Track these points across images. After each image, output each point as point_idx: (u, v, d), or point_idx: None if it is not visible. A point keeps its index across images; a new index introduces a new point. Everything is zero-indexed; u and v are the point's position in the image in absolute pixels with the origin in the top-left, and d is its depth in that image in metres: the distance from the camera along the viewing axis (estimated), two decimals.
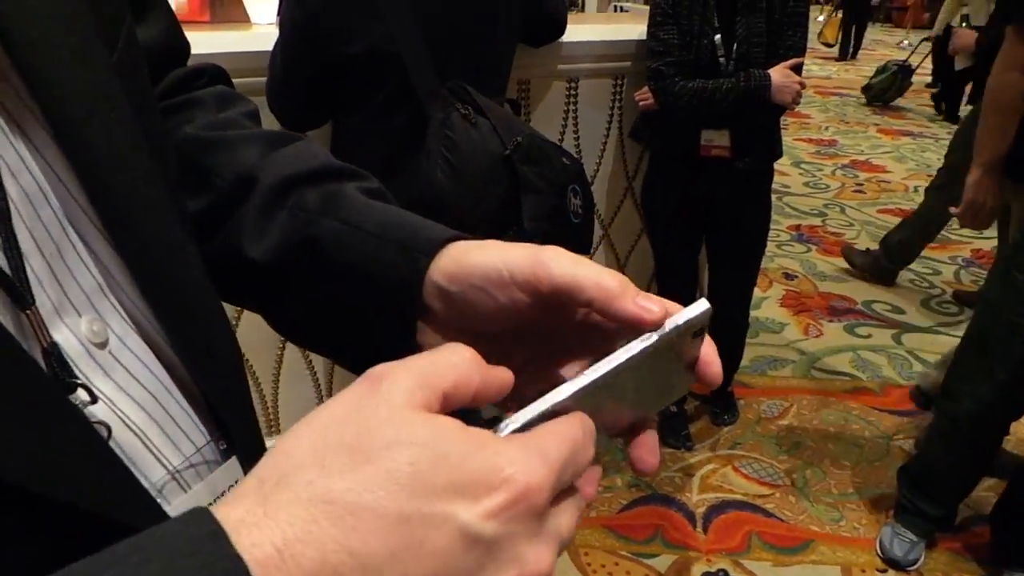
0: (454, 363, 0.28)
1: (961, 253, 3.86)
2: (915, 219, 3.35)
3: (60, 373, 0.31)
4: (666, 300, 0.35)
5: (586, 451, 0.29)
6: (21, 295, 0.30)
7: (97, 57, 0.36)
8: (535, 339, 0.39)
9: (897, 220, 3.58)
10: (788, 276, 3.52)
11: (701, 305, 0.34)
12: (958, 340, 1.84)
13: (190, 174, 0.47)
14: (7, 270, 0.30)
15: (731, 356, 2.36)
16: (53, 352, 0.31)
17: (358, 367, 0.34)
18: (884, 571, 1.89)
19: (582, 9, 5.49)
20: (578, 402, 0.30)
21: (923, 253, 3.80)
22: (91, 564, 0.22)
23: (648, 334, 0.32)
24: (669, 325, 0.33)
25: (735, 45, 1.90)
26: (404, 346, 0.41)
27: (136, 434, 0.34)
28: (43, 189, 0.33)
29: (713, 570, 1.88)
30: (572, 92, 2.17)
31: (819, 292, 3.38)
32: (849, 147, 5.74)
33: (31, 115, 0.33)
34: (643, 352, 0.32)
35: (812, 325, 3.08)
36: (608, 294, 0.34)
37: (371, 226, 0.42)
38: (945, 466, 1.86)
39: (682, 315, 0.33)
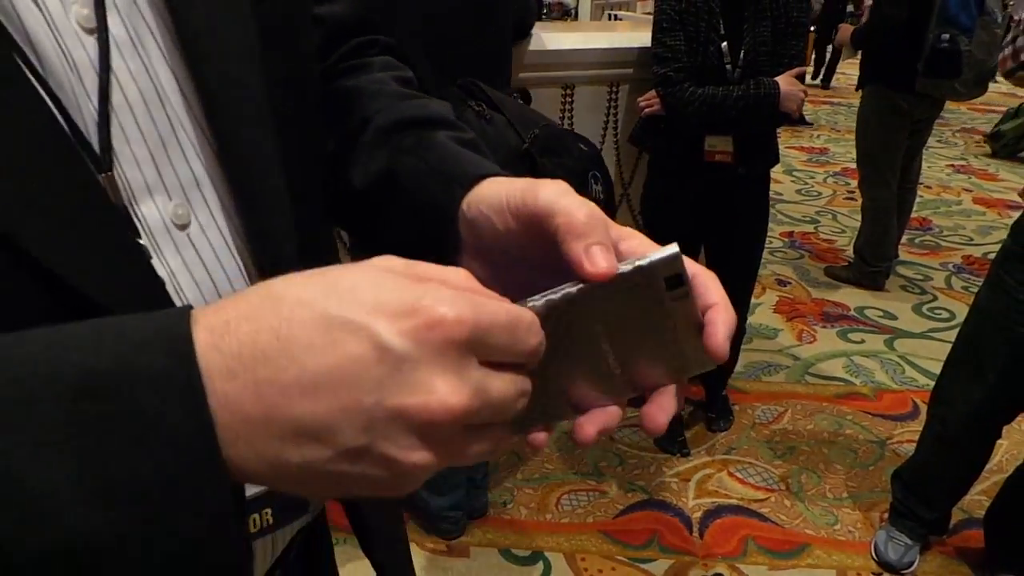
0: (448, 270, 0.31)
1: (952, 259, 3.89)
2: (864, 219, 3.44)
3: (129, 233, 0.37)
4: (653, 244, 0.36)
5: (527, 336, 0.30)
6: (100, 163, 0.35)
7: (239, 3, 0.42)
8: (557, 276, 0.39)
9: (894, 233, 3.62)
10: (781, 283, 3.55)
11: (667, 249, 0.33)
12: (950, 345, 1.86)
13: (336, 118, 0.55)
14: (94, 141, 0.35)
15: (726, 362, 2.35)
16: (124, 214, 0.37)
17: None
18: (879, 574, 1.90)
19: (575, 18, 5.53)
20: (543, 320, 0.31)
21: (914, 259, 3.84)
22: (90, 320, 0.27)
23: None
24: (625, 266, 0.33)
25: (742, 53, 1.91)
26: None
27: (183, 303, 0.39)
28: (161, 92, 0.38)
29: (709, 574, 1.89)
30: (568, 99, 2.18)
31: (812, 298, 3.40)
32: (841, 155, 5.79)
33: (169, 33, 0.39)
34: (598, 287, 0.32)
35: (806, 331, 3.10)
36: (569, 228, 0.35)
37: (434, 162, 0.47)
38: (938, 469, 1.87)
39: (639, 258, 0.33)
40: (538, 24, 2.75)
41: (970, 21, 2.87)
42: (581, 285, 0.33)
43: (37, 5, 0.34)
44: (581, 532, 2.00)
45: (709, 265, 1.84)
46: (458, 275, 0.31)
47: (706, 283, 0.36)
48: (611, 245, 0.35)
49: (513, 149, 1.47)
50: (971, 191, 5.07)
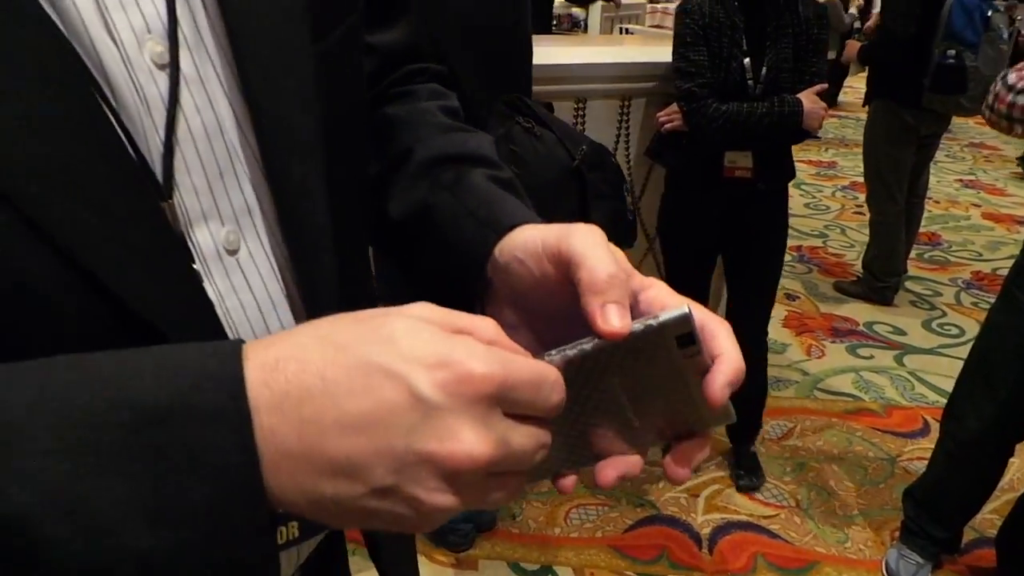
0: (476, 318, 0.33)
1: (961, 275, 3.88)
2: (873, 234, 3.45)
3: (185, 258, 0.39)
4: (672, 293, 0.37)
5: (551, 391, 0.32)
6: (161, 190, 0.38)
7: (297, 40, 0.43)
8: (580, 331, 0.41)
9: (902, 248, 3.61)
10: (790, 297, 3.54)
11: (678, 308, 0.34)
12: (960, 361, 1.85)
13: (380, 145, 0.56)
14: (157, 171, 0.37)
15: (753, 395, 2.24)
16: (181, 240, 0.39)
17: None
18: None
19: (585, 30, 5.55)
20: (562, 372, 0.33)
21: (923, 275, 3.83)
22: (146, 349, 0.30)
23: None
24: (636, 324, 0.34)
25: (764, 70, 1.91)
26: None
27: (230, 327, 0.41)
28: (222, 126, 0.41)
29: None
30: (580, 112, 2.19)
31: (821, 313, 3.39)
32: (849, 169, 5.78)
33: (230, 69, 0.41)
34: (612, 344, 0.34)
35: (814, 346, 3.09)
36: (590, 284, 0.36)
37: (469, 202, 0.48)
38: (950, 487, 1.86)
39: (651, 317, 0.34)
40: (551, 37, 2.77)
41: (975, 37, 2.89)
42: (596, 341, 0.34)
43: (114, 41, 0.35)
44: (590, 546, 2.00)
45: (728, 279, 1.81)
46: (487, 326, 0.33)
47: (715, 332, 0.37)
48: (627, 303, 0.36)
49: (563, 166, 1.46)
50: (980, 206, 5.06)
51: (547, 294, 0.41)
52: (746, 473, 2.27)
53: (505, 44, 1.49)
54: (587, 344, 0.34)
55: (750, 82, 1.91)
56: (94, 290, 0.33)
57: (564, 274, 0.38)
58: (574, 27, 5.61)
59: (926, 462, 1.95)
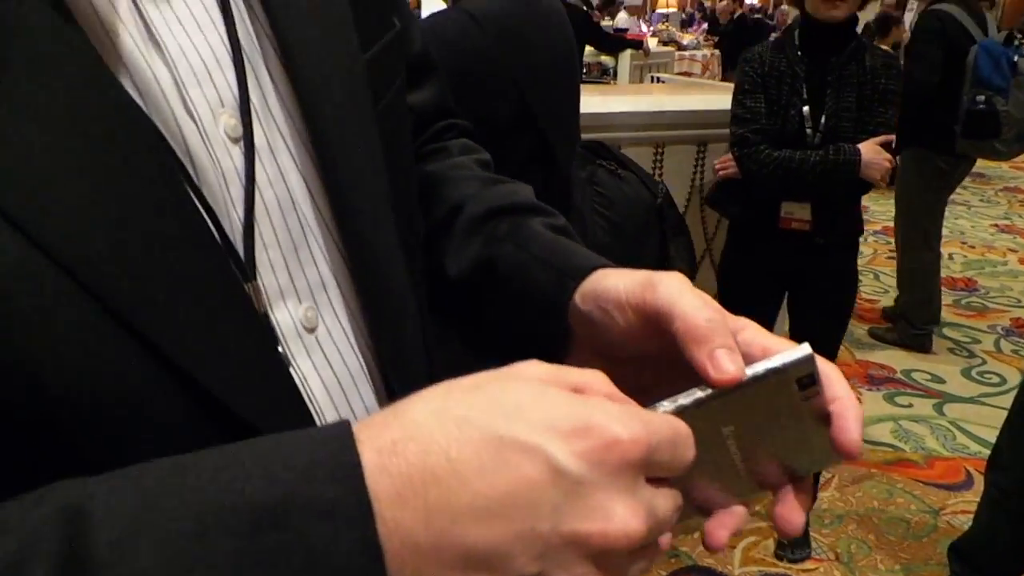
0: (588, 372, 0.31)
1: (1000, 322, 3.80)
2: (907, 282, 3.43)
3: (271, 341, 0.38)
4: (775, 338, 0.35)
5: (686, 449, 0.30)
6: (245, 271, 0.37)
7: (363, 104, 0.43)
8: (675, 374, 0.38)
9: (940, 295, 3.56)
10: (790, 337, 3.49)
11: (798, 351, 0.32)
12: (1002, 411, 1.80)
13: (423, 203, 0.56)
14: (240, 249, 0.37)
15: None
16: (265, 322, 0.38)
17: None
18: None
19: (614, 77, 5.65)
20: (695, 420, 0.31)
21: (960, 321, 3.76)
22: (257, 441, 0.28)
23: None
24: (752, 370, 0.32)
25: (823, 118, 1.86)
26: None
27: (315, 410, 0.39)
28: (294, 199, 0.40)
29: None
30: (659, 157, 2.22)
31: (856, 360, 3.34)
32: (881, 214, 5.73)
33: (301, 140, 0.40)
34: (728, 390, 0.32)
35: None
36: (690, 333, 0.34)
37: (538, 251, 0.47)
38: (997, 541, 1.80)
39: (771, 361, 0.32)
40: (586, 87, 2.83)
41: (1004, 82, 2.89)
42: (710, 389, 0.32)
43: (191, 117, 0.35)
44: None
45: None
46: (599, 380, 0.31)
47: (829, 375, 0.35)
48: (735, 346, 0.34)
49: (648, 204, 1.48)
50: (1016, 251, 4.97)
51: (632, 342, 0.39)
52: (791, 545, 2.14)
53: (571, 92, 1.52)
54: (701, 392, 0.32)
55: (809, 130, 1.87)
56: (179, 382, 0.31)
57: (651, 324, 0.37)
58: (604, 75, 5.70)
59: (970, 516, 1.89)
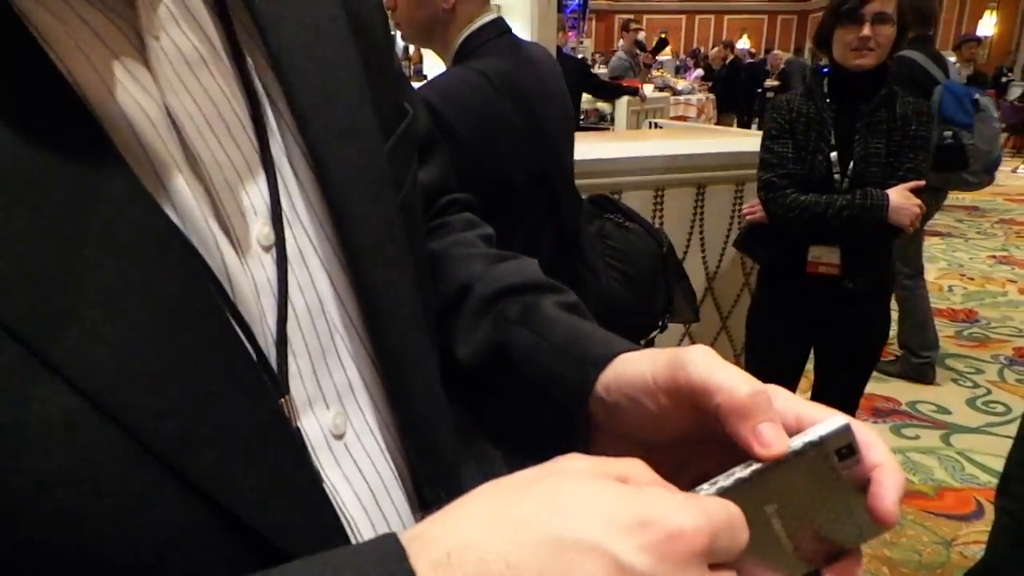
0: (629, 461, 0.30)
1: (1003, 352, 3.84)
2: (903, 310, 3.50)
3: (306, 453, 0.36)
4: (811, 404, 0.34)
5: (742, 532, 0.29)
6: (279, 386, 0.36)
7: (388, 197, 0.42)
8: (706, 450, 0.38)
9: (936, 321, 3.60)
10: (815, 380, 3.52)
11: (833, 423, 0.32)
12: (1009, 440, 1.83)
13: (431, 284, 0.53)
14: (274, 364, 0.36)
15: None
16: (298, 435, 0.36)
17: None
18: None
19: (612, 123, 5.77)
20: (736, 500, 0.30)
21: (963, 352, 3.79)
22: (299, 565, 0.26)
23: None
24: (796, 442, 0.32)
25: (852, 163, 1.86)
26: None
27: (348, 521, 0.38)
28: (323, 304, 0.39)
29: None
30: (659, 200, 2.32)
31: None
32: None
33: (328, 240, 0.40)
34: (769, 467, 0.31)
35: None
36: (733, 408, 0.33)
37: (555, 337, 0.45)
38: (1011, 569, 1.81)
39: (809, 433, 0.32)
40: (583, 133, 2.92)
41: (967, 118, 3.06)
42: (754, 467, 0.32)
43: (224, 229, 0.34)
44: None
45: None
46: (641, 469, 0.30)
47: (868, 442, 0.34)
48: (778, 418, 0.33)
49: (654, 254, 1.51)
50: (1016, 281, 5.02)
51: (664, 425, 0.38)
52: None
53: (571, 143, 1.54)
54: (743, 471, 0.31)
55: (837, 176, 1.87)
56: (220, 518, 0.30)
57: (684, 405, 0.36)
58: (601, 121, 5.83)
59: (983, 546, 1.90)
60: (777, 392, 0.36)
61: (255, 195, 0.36)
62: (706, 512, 0.28)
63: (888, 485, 0.32)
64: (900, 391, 3.37)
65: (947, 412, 3.18)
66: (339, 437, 0.39)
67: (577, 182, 2.14)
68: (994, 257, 5.62)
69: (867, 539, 0.34)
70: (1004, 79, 11.91)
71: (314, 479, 0.35)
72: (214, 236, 0.33)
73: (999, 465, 1.85)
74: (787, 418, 0.34)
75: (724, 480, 0.32)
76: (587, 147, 2.28)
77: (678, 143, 2.40)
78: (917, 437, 2.98)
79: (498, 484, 0.29)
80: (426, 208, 0.59)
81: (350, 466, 0.39)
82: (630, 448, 0.40)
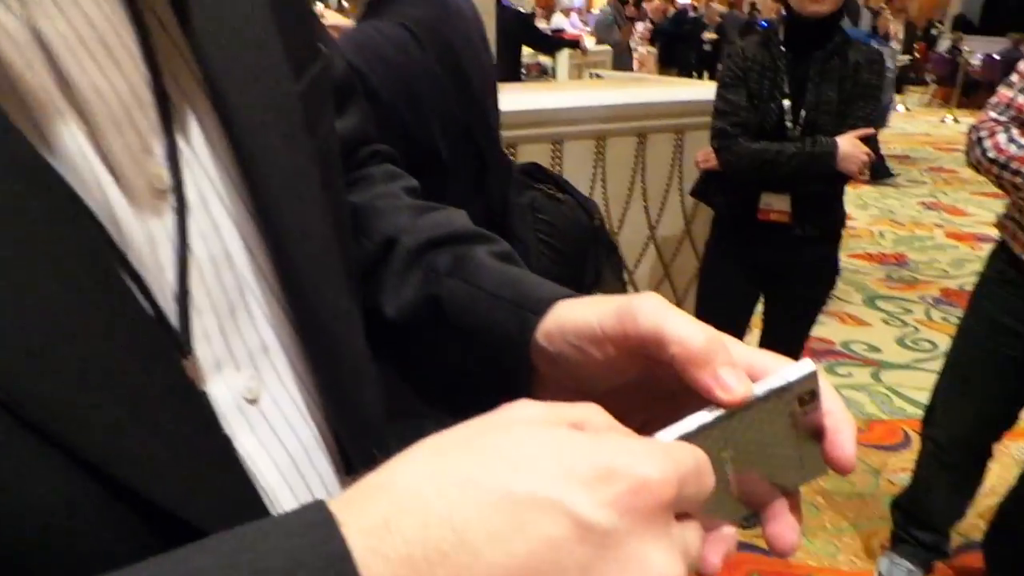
0: (583, 405, 0.28)
1: (930, 292, 4.02)
2: None
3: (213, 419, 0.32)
4: (768, 354, 0.33)
5: (708, 479, 0.27)
6: (181, 345, 0.31)
7: (301, 142, 0.39)
8: (650, 398, 0.36)
9: (868, 264, 3.74)
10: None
11: (802, 368, 0.31)
12: (935, 375, 1.94)
13: (353, 239, 0.50)
14: (174, 321, 0.31)
15: None
16: (203, 399, 0.32)
17: None
18: None
19: (554, 76, 5.74)
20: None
21: (893, 294, 3.96)
22: (209, 542, 0.22)
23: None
24: (759, 389, 0.31)
25: (803, 112, 1.87)
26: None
27: (266, 491, 0.34)
28: (229, 255, 0.34)
29: None
30: (557, 154, 2.29)
31: None
32: None
33: (235, 188, 0.35)
34: (732, 413, 0.30)
35: None
36: (690, 356, 0.31)
37: (489, 286, 0.43)
38: (935, 492, 1.93)
39: (775, 378, 0.31)
40: (523, 85, 2.90)
41: None
42: (717, 413, 0.30)
43: (111, 170, 0.30)
44: None
45: (763, 324, 1.77)
46: (597, 414, 0.28)
47: (823, 388, 0.32)
48: (736, 362, 0.32)
49: (585, 226, 1.45)
50: (942, 226, 5.24)
51: (610, 375, 0.36)
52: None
53: (496, 102, 1.45)
54: (705, 417, 0.30)
55: (789, 123, 1.88)
56: (113, 491, 0.26)
57: (634, 354, 0.34)
58: (543, 74, 5.79)
59: (910, 473, 2.01)
60: (729, 342, 0.34)
61: (147, 131, 0.31)
62: (673, 459, 0.25)
63: (846, 432, 0.32)
64: (835, 332, 3.50)
65: (877, 350, 3.33)
66: (253, 401, 0.35)
67: (518, 133, 2.14)
68: (923, 203, 5.84)
69: (808, 480, 0.34)
70: (934, 31, 12.23)
71: (224, 447, 0.31)
72: (98, 178, 0.29)
73: (925, 398, 1.95)
74: (749, 365, 0.33)
75: (687, 424, 0.30)
76: (528, 97, 2.27)
77: (620, 92, 2.40)
78: (849, 375, 3.12)
79: (439, 439, 0.26)
80: (344, 160, 0.55)
81: (266, 432, 0.35)
82: (571, 399, 0.39)
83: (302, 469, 0.37)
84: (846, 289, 4.01)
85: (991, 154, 1.61)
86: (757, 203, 1.94)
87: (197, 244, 0.33)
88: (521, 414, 0.27)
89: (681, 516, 0.27)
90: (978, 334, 1.76)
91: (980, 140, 1.64)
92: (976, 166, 1.67)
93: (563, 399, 0.38)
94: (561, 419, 0.27)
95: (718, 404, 0.30)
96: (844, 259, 4.44)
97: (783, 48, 1.90)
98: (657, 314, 0.33)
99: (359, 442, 0.40)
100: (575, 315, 0.37)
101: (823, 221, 1.97)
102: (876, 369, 3.17)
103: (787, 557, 0.39)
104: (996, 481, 2.36)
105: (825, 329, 3.53)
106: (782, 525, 0.33)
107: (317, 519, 0.23)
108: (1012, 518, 1.89)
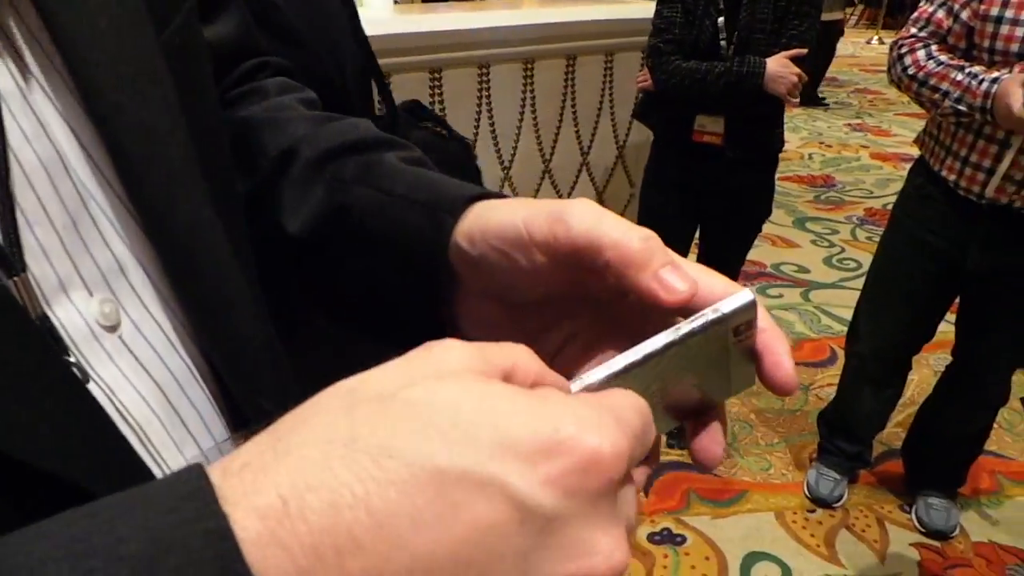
0: (512, 347, 0.25)
1: (855, 212, 4.12)
2: None
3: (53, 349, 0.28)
4: (705, 270, 0.31)
5: (652, 432, 0.25)
6: (9, 262, 0.27)
7: (140, 32, 0.34)
8: (578, 308, 0.34)
9: (797, 187, 3.79)
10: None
11: (742, 297, 0.29)
12: (859, 292, 1.98)
13: (241, 155, 0.46)
14: None
15: None
16: (43, 326, 0.28)
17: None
18: (812, 511, 2.02)
19: None
20: (625, 384, 0.27)
21: (821, 215, 4.04)
22: (58, 522, 0.18)
23: (677, 327, 0.28)
24: (699, 320, 0.29)
25: (736, 30, 1.83)
26: (435, 317, 0.38)
27: (133, 428, 0.31)
28: (63, 157, 0.30)
29: (657, 529, 1.96)
30: (571, 68, 2.20)
31: None
32: None
33: (60, 78, 0.31)
34: (664, 349, 0.28)
35: None
36: (627, 261, 0.29)
37: (401, 189, 0.39)
38: (857, 403, 2.00)
39: (709, 311, 0.29)
40: (450, 4, 2.75)
41: None
42: (647, 350, 0.28)
43: None
44: None
45: (699, 247, 1.71)
46: (526, 357, 0.24)
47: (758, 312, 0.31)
48: (676, 261, 0.30)
49: (467, 164, 1.38)
50: (868, 147, 5.35)
51: (538, 283, 0.33)
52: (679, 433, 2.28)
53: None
54: (635, 355, 0.28)
55: (723, 43, 1.83)
56: None
57: (564, 261, 0.31)
58: None
59: (835, 388, 2.08)
60: (674, 255, 0.33)
61: None
62: (623, 425, 0.22)
63: (782, 351, 0.30)
64: (766, 255, 3.57)
65: (806, 271, 3.41)
66: (112, 328, 0.31)
67: (440, 56, 2.04)
68: (849, 125, 5.94)
69: (736, 392, 0.33)
70: None
71: (72, 379, 0.27)
72: None
73: (851, 315, 2.00)
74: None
75: (613, 365, 0.28)
76: (451, 18, 2.15)
77: (549, 11, 2.29)
78: (780, 296, 3.19)
79: (350, 390, 0.21)
80: (225, 71, 0.51)
81: (129, 362, 0.32)
82: (494, 309, 0.36)
83: (174, 402, 0.33)
84: (777, 212, 4.08)
85: (911, 71, 1.60)
86: (692, 124, 1.91)
87: (21, 146, 0.29)
88: (447, 362, 0.22)
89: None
90: (897, 249, 1.79)
91: (901, 57, 1.63)
92: (897, 83, 1.67)
93: (484, 310, 0.36)
94: (491, 366, 0.23)
95: (661, 304, 0.29)
96: (783, 183, 4.53)
97: None
98: (591, 218, 0.30)
99: (237, 372, 0.36)
100: (500, 216, 0.34)
101: (757, 145, 1.94)
102: (805, 290, 3.25)
103: (711, 470, 0.37)
104: (915, 391, 2.47)
105: (756, 252, 3.58)
106: (707, 439, 0.32)
107: (192, 489, 0.18)
108: (928, 424, 1.98)
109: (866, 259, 3.50)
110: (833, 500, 2.02)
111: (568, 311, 0.34)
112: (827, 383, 2.54)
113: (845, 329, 2.06)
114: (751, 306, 0.29)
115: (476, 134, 2.20)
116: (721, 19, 1.84)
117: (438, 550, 0.19)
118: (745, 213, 2.06)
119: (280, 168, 0.45)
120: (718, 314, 0.29)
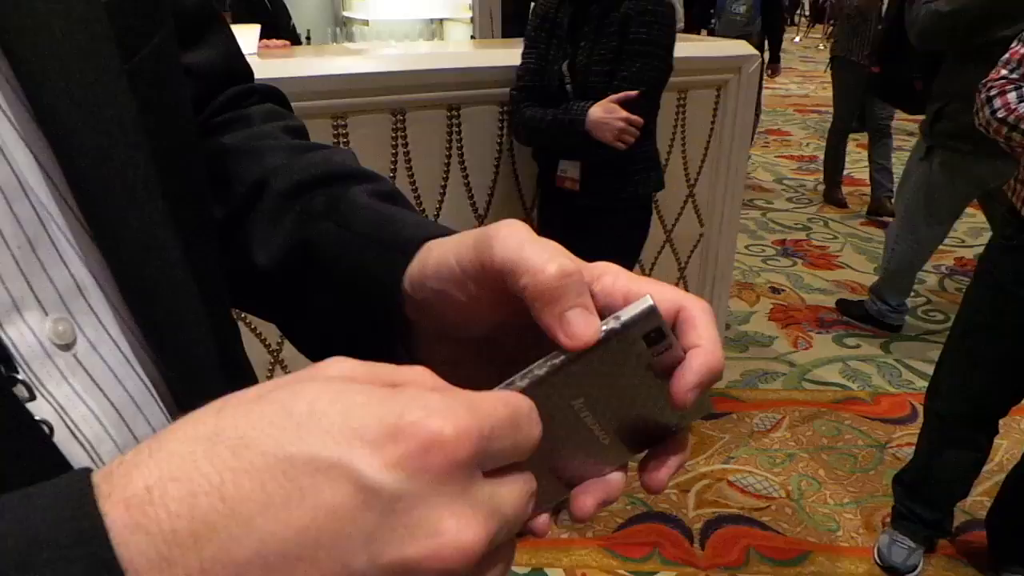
0: (409, 369, 0.25)
1: (944, 262, 3.90)
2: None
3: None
4: (655, 283, 0.30)
5: (530, 427, 0.25)
6: None
7: (104, 58, 0.34)
8: (543, 335, 0.33)
9: (879, 231, 3.62)
10: (775, 290, 3.54)
11: (639, 304, 0.29)
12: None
13: (218, 182, 0.46)
14: None
15: None
16: None
17: None
18: None
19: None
20: (542, 397, 0.27)
21: None
22: None
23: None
24: (603, 328, 0.29)
25: (574, 74, 1.77)
26: (398, 359, 0.38)
27: (84, 446, 0.31)
28: (22, 181, 0.30)
29: None
30: (501, 116, 2.00)
31: (806, 305, 3.40)
32: None
33: (23, 108, 0.31)
34: (574, 358, 0.28)
35: (801, 337, 3.09)
36: (538, 292, 0.29)
37: (360, 226, 0.39)
38: (938, 467, 1.86)
39: (611, 319, 0.29)
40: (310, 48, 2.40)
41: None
42: (553, 361, 0.28)
43: None
44: (581, 547, 1.98)
45: None
46: (421, 374, 0.25)
47: (694, 318, 0.31)
48: (590, 303, 0.29)
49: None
50: None
51: (483, 316, 0.33)
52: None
53: None
54: (541, 368, 0.28)
55: (568, 86, 1.76)
56: None
57: (496, 289, 0.31)
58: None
59: (914, 448, 1.95)
60: (606, 270, 0.32)
61: None
62: (475, 412, 0.23)
63: (692, 370, 0.29)
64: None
65: None
66: (66, 347, 0.31)
67: (299, 104, 1.82)
68: None
69: (692, 421, 0.32)
70: None
71: (13, 399, 0.28)
72: None
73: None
74: (615, 298, 0.31)
75: (520, 379, 0.28)
76: (310, 63, 1.86)
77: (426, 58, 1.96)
78: (858, 346, 3.04)
79: (228, 398, 0.23)
80: (210, 96, 0.51)
81: (84, 381, 0.32)
82: (455, 349, 0.36)
83: (129, 420, 0.33)
84: (859, 258, 3.91)
85: (1000, 114, 1.51)
86: (555, 169, 1.85)
87: None
88: (328, 370, 0.24)
89: (506, 471, 0.25)
90: (983, 303, 1.68)
91: (990, 100, 1.53)
92: (985, 127, 1.57)
93: (445, 351, 0.36)
94: (375, 377, 0.24)
95: (562, 347, 0.28)
96: (857, 227, 4.35)
97: (568, 2, 1.77)
98: (513, 242, 0.30)
99: (191, 393, 0.36)
100: (436, 255, 0.34)
101: (608, 190, 1.83)
102: (886, 340, 3.08)
103: (654, 494, 0.37)
104: (1004, 457, 2.29)
105: (835, 299, 3.44)
106: (655, 463, 0.32)
107: (71, 491, 0.20)
108: (1016, 494, 1.82)
109: (954, 311, 3.30)
110: (907, 570, 1.88)
111: (532, 338, 0.33)
112: (906, 442, 2.38)
113: (926, 384, 1.93)
114: (650, 313, 0.28)
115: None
116: (565, 63, 1.78)
117: (286, 532, 0.20)
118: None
119: (252, 199, 0.45)
120: (618, 322, 0.28)
